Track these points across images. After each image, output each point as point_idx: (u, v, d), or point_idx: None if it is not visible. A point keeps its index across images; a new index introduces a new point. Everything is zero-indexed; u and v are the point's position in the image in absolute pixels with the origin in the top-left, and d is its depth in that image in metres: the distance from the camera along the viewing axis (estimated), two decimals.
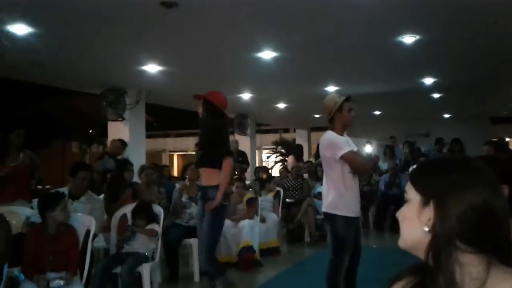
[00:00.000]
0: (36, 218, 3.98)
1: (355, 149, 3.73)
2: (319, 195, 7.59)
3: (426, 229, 1.00)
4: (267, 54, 6.10)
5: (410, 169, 7.78)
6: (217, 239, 4.08)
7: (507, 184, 1.56)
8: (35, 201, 4.72)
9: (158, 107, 11.56)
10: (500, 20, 4.93)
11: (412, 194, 1.06)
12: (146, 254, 4.30)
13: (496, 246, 0.97)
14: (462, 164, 1.05)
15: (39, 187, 6.66)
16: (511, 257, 0.99)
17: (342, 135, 3.79)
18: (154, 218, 4.54)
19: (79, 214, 4.15)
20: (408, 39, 5.53)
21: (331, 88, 8.80)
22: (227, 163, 3.85)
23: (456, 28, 5.25)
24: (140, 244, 4.31)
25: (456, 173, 1.02)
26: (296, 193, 7.93)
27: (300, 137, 16.80)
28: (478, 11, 4.64)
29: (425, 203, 1.02)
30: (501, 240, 0.98)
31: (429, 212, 1.01)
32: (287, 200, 7.82)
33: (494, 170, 1.03)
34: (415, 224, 1.03)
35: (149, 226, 4.41)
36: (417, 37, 5.48)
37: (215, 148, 3.92)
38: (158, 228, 4.47)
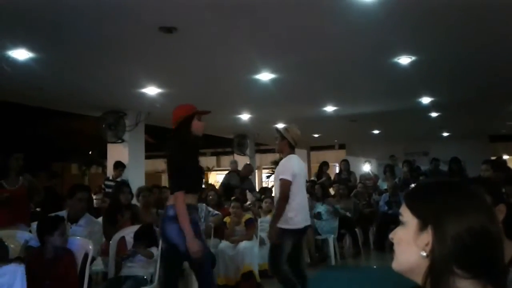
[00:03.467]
0: (35, 242, 3.96)
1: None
2: (318, 215, 7.57)
3: (424, 254, 1.00)
4: (265, 76, 6.17)
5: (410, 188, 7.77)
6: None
7: (503, 203, 1.56)
8: (33, 225, 4.70)
9: (157, 128, 11.59)
10: (496, 39, 5.00)
11: (408, 217, 1.05)
12: (145, 277, 4.26)
13: (491, 271, 0.97)
14: (458, 188, 1.05)
15: (38, 209, 6.63)
16: (505, 282, 0.99)
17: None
18: (155, 241, 4.50)
19: (78, 237, 4.12)
20: (404, 60, 5.60)
21: (330, 108, 8.86)
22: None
23: (452, 48, 5.32)
24: (139, 267, 4.27)
25: (453, 197, 1.02)
26: None
27: (299, 156, 16.73)
28: (474, 30, 4.72)
29: (422, 227, 1.01)
30: (496, 264, 0.98)
31: (426, 237, 1.00)
32: None
33: (489, 190, 1.05)
34: (411, 248, 1.02)
35: (151, 248, 4.37)
36: (413, 57, 5.55)
37: None
38: (156, 251, 4.44)
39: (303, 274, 4.22)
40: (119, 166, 8.06)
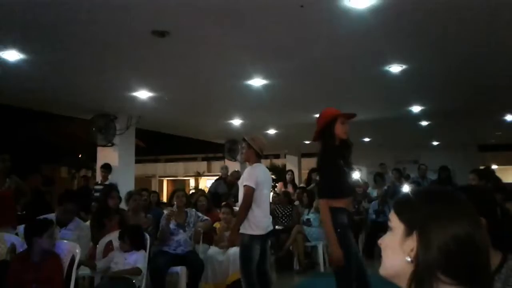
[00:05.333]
0: (20, 247, 3.93)
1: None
2: (308, 222, 7.57)
3: (409, 259, 1.01)
4: (257, 82, 6.18)
5: None
6: None
7: (483, 216, 1.57)
8: (20, 227, 4.66)
9: (148, 132, 11.56)
10: (486, 49, 5.06)
11: (395, 223, 1.07)
12: (134, 281, 4.23)
13: (476, 278, 0.98)
14: (445, 196, 1.06)
15: (24, 212, 6.56)
16: None
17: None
18: (142, 243, 4.46)
19: (65, 241, 4.09)
20: (395, 68, 5.64)
21: None
22: None
23: (442, 57, 5.37)
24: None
25: (439, 204, 1.03)
26: (286, 220, 7.89)
27: (290, 163, 16.84)
28: (464, 40, 4.77)
29: (408, 233, 1.03)
30: (481, 272, 0.99)
31: (411, 242, 1.01)
32: (276, 227, 7.76)
33: (473, 202, 1.05)
34: (397, 253, 1.04)
35: (134, 253, 4.32)
36: (404, 66, 5.60)
37: None
38: (144, 254, 4.40)
39: (267, 276, 4.41)
40: (104, 167, 8.01)
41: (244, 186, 4.24)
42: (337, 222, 3.30)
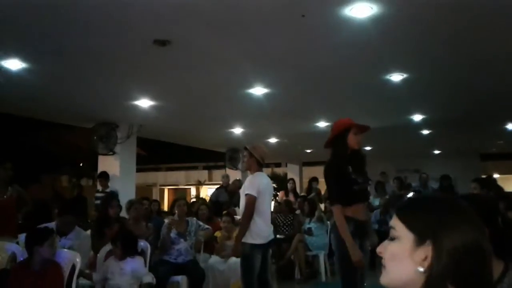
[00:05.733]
0: (20, 256, 3.92)
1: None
2: (309, 231, 7.54)
3: (421, 269, 0.99)
4: (258, 90, 6.19)
5: None
6: None
7: (486, 225, 1.57)
8: (21, 236, 4.65)
9: (149, 141, 11.58)
10: (488, 58, 5.07)
11: (402, 232, 1.03)
12: None
13: (481, 287, 0.98)
14: (451, 203, 1.05)
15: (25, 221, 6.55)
16: None
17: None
18: (135, 249, 4.40)
19: (65, 250, 4.08)
20: (396, 77, 5.65)
21: (322, 124, 8.90)
22: None
23: (444, 66, 5.38)
24: (125, 283, 4.19)
25: (448, 212, 1.02)
26: (287, 229, 7.86)
27: (291, 172, 16.82)
28: (464, 49, 4.77)
29: (419, 242, 1.00)
30: (486, 281, 0.99)
31: (423, 252, 0.99)
32: (277, 236, 7.73)
33: (475, 210, 1.05)
34: (407, 263, 1.01)
35: (130, 261, 4.29)
36: (405, 75, 5.61)
37: None
38: (141, 261, 4.34)
39: (269, 285, 4.41)
40: (101, 176, 8.01)
41: (246, 195, 4.23)
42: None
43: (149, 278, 4.25)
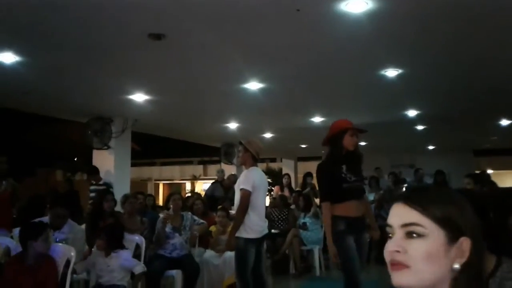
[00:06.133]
0: (14, 250, 3.91)
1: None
2: (304, 226, 7.57)
3: (457, 266, 0.97)
4: (253, 85, 6.18)
5: None
6: None
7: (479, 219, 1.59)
8: (15, 231, 4.64)
9: (144, 135, 11.54)
10: (483, 54, 5.09)
11: (431, 228, 0.98)
12: (126, 286, 4.20)
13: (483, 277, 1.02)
14: (465, 198, 1.05)
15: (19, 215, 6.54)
16: None
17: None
18: (121, 243, 4.33)
19: (60, 244, 4.08)
20: (391, 72, 5.66)
21: (317, 119, 8.91)
22: None
23: (438, 62, 5.39)
24: (115, 278, 4.17)
25: (471, 207, 1.02)
26: (282, 223, 7.89)
27: (286, 167, 16.85)
28: (460, 45, 4.79)
29: (453, 239, 0.98)
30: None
31: (459, 248, 0.97)
32: (272, 231, 7.76)
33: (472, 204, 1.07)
34: (440, 261, 0.97)
35: (114, 256, 4.20)
36: (400, 70, 5.62)
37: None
38: (131, 261, 4.31)
39: (263, 279, 4.44)
40: (91, 173, 7.95)
41: (241, 189, 4.25)
42: (333, 229, 3.49)
43: (139, 268, 4.23)
